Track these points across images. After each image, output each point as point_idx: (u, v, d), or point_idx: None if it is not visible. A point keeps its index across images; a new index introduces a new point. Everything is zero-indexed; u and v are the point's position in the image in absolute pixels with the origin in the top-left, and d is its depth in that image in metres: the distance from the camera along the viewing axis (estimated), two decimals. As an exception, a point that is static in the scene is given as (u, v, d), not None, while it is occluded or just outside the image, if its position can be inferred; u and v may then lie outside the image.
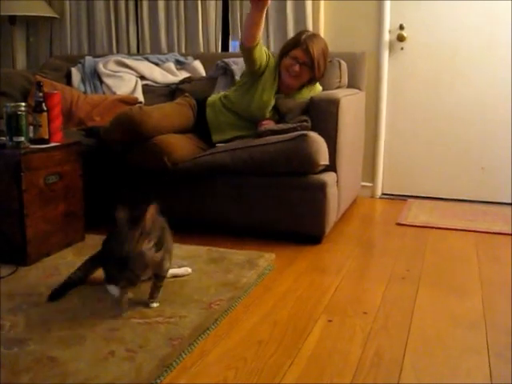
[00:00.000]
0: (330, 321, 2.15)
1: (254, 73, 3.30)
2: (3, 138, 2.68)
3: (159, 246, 2.10)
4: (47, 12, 4.65)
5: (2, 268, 2.60)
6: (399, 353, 1.91)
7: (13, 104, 2.65)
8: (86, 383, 1.65)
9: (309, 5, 4.11)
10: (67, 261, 2.73)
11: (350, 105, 3.39)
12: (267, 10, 4.20)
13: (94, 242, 2.98)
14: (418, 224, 3.53)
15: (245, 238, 3.15)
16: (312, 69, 3.28)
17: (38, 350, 1.85)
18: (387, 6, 4.11)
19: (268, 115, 3.33)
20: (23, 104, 2.66)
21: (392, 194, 4.37)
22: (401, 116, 4.27)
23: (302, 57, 3.26)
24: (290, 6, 4.18)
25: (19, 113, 2.62)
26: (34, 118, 2.72)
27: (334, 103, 3.12)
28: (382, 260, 2.90)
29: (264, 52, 3.27)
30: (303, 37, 3.29)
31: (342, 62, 3.70)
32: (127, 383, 1.65)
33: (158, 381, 1.72)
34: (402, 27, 4.14)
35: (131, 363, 1.76)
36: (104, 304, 2.21)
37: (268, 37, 4.29)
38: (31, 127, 2.73)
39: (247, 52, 3.20)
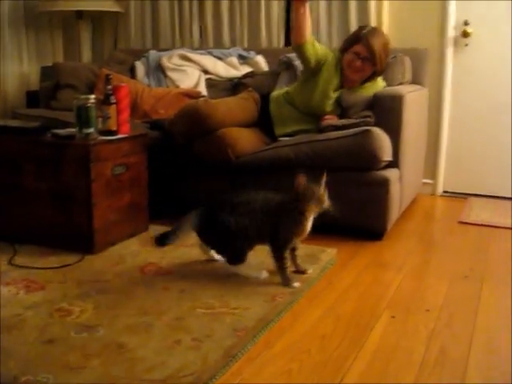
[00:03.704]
0: (392, 317, 2.15)
1: (310, 70, 3.32)
2: (73, 130, 2.76)
3: None
4: (113, 7, 4.73)
5: (70, 256, 2.67)
6: (464, 351, 1.89)
7: (83, 96, 2.73)
8: (154, 370, 1.69)
9: (372, 0, 4.09)
10: (132, 250, 2.79)
11: (414, 101, 3.36)
12: (330, 6, 4.23)
13: (157, 233, 3.03)
14: (480, 223, 3.48)
15: (305, 233, 3.16)
16: (373, 63, 3.27)
17: (107, 335, 1.91)
18: (452, 1, 4.04)
19: (330, 110, 3.33)
20: (92, 96, 2.73)
21: (453, 192, 4.30)
22: (463, 113, 4.20)
23: (363, 51, 3.25)
24: (353, 1, 4.16)
25: (89, 105, 2.69)
26: (103, 110, 2.78)
27: (398, 99, 3.10)
28: (444, 258, 2.87)
29: (318, 49, 3.28)
30: (364, 32, 3.29)
31: (406, 58, 3.66)
32: (194, 372, 1.68)
33: (224, 370, 1.74)
34: (466, 23, 4.07)
35: (197, 352, 1.80)
36: (169, 293, 2.26)
37: (331, 35, 4.28)
38: (100, 119, 2.79)
39: (298, 50, 3.26)
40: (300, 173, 2.32)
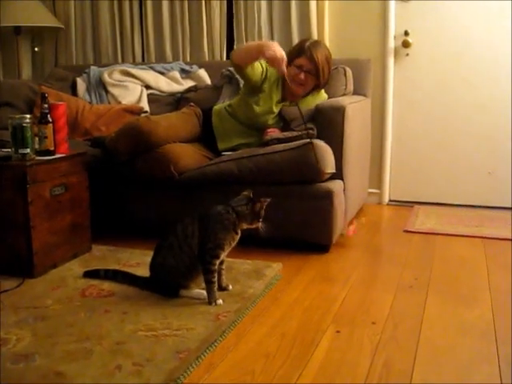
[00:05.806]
0: (338, 332, 2.13)
1: (250, 87, 3.31)
2: (9, 150, 2.68)
3: None
4: (52, 22, 4.65)
5: (9, 280, 2.59)
6: (408, 364, 1.89)
7: (18, 116, 2.66)
8: (92, 399, 1.64)
9: (313, 12, 4.11)
10: (74, 272, 2.72)
11: (356, 112, 3.37)
12: (271, 17, 4.25)
13: (100, 253, 2.99)
14: (425, 231, 3.51)
15: (251, 248, 3.10)
16: (317, 76, 3.28)
17: (45, 364, 1.84)
18: (392, 12, 4.09)
19: (272, 123, 3.32)
20: (28, 116, 2.66)
21: (399, 201, 4.34)
22: (406, 122, 4.25)
23: (307, 64, 3.26)
24: (294, 13, 4.17)
25: (24, 125, 2.61)
26: (40, 129, 2.71)
27: (340, 111, 3.11)
28: (389, 268, 2.88)
29: (259, 67, 3.27)
30: (307, 44, 3.29)
31: (348, 69, 3.68)
32: (134, 398, 1.64)
33: (166, 395, 1.70)
34: (406, 33, 4.12)
35: (138, 378, 1.75)
36: (110, 316, 2.20)
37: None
38: (37, 138, 2.72)
39: (236, 68, 3.29)
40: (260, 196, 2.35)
